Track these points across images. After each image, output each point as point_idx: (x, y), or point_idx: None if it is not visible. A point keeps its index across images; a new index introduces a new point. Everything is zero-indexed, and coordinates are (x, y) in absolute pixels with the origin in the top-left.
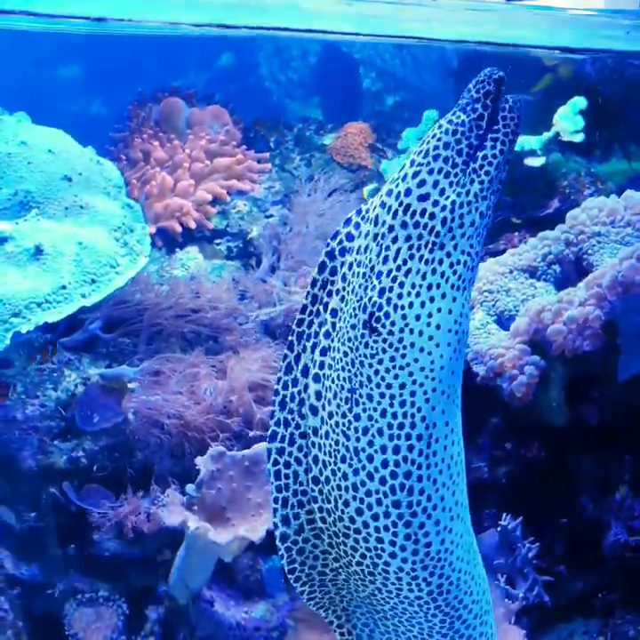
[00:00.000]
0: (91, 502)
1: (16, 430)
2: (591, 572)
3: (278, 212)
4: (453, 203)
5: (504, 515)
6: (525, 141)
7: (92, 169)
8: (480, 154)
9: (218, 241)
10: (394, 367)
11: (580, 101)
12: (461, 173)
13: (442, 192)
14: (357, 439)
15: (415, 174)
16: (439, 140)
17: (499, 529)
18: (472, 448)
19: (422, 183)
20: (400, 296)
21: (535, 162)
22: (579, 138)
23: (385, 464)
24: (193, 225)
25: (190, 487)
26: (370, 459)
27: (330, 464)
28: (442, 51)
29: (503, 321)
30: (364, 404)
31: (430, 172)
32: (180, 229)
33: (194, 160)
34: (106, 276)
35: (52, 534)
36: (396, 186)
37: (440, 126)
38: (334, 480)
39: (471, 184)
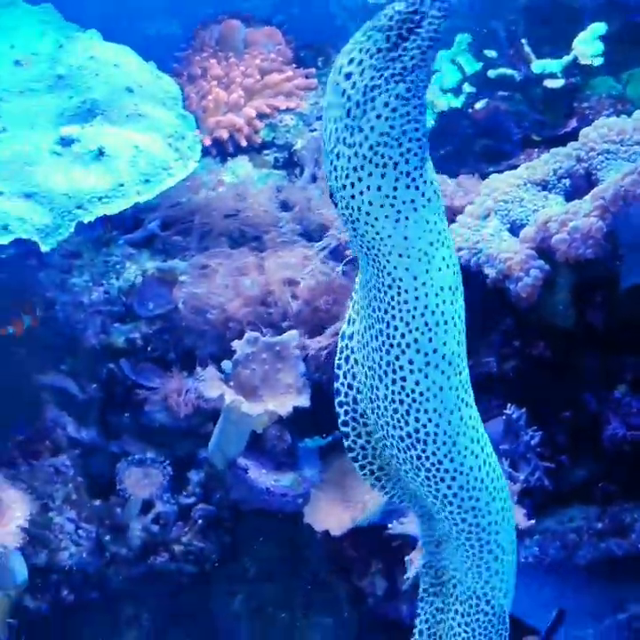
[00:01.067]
0: (144, 378)
1: (82, 313)
2: (592, 462)
3: (321, 126)
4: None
5: (509, 405)
6: (546, 64)
7: (152, 82)
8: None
9: (266, 152)
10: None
11: (599, 27)
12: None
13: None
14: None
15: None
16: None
17: (504, 417)
18: (484, 345)
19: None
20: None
21: (555, 83)
22: (597, 62)
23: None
24: (244, 142)
25: (226, 363)
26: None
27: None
28: None
29: (515, 229)
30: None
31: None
32: (229, 140)
33: (246, 76)
34: (158, 176)
35: (109, 404)
36: None
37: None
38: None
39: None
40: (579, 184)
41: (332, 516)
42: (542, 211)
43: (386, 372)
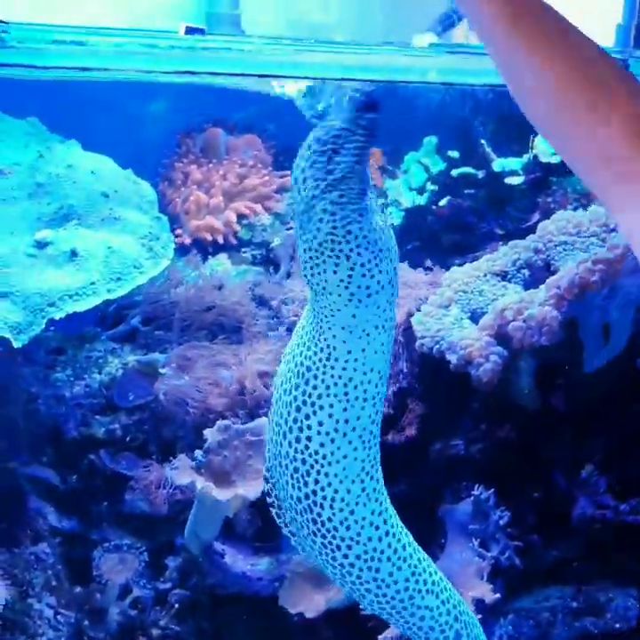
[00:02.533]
0: (123, 467)
1: (63, 406)
2: (564, 542)
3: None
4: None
5: (477, 485)
6: (506, 163)
7: (128, 187)
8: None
9: (244, 249)
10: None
11: None
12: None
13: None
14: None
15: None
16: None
17: (472, 498)
18: (451, 429)
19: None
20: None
21: (515, 180)
22: (556, 159)
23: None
24: (221, 240)
25: (198, 453)
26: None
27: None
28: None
29: (476, 317)
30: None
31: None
32: (210, 240)
33: (226, 180)
34: (130, 274)
35: (89, 493)
36: None
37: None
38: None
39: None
40: (538, 274)
41: (306, 598)
42: (500, 299)
43: (291, 429)
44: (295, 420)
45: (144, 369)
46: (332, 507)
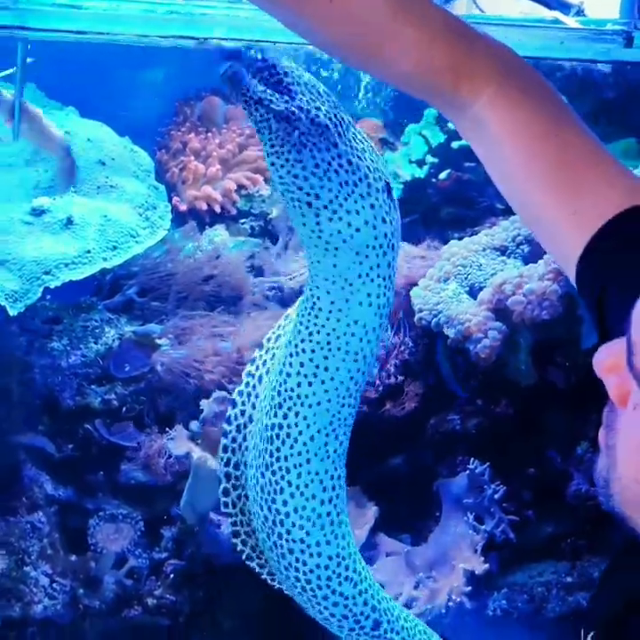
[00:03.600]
0: (119, 437)
1: (60, 375)
2: (559, 518)
3: None
4: None
5: (472, 459)
6: None
7: (125, 156)
8: None
9: (243, 220)
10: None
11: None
12: None
13: None
14: None
15: None
16: None
17: (467, 472)
18: (447, 404)
19: None
20: None
21: None
22: None
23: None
24: (218, 210)
25: (194, 423)
26: None
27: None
28: None
29: (474, 292)
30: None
31: None
32: (206, 210)
33: (223, 150)
34: (126, 243)
35: (85, 463)
36: None
37: None
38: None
39: None
40: (537, 250)
41: None
42: (499, 274)
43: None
44: (280, 363)
45: (141, 340)
46: (292, 446)
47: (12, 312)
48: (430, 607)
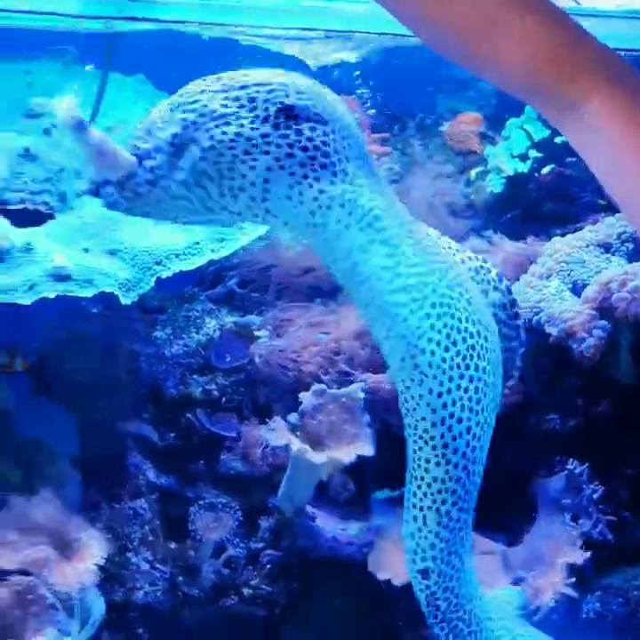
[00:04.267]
0: (220, 427)
1: (164, 365)
2: None
3: (395, 189)
4: None
5: (571, 460)
6: None
7: None
8: None
9: None
10: None
11: None
12: None
13: None
14: None
15: None
16: None
17: (565, 472)
18: (547, 403)
19: None
20: None
21: None
22: None
23: None
24: None
25: (293, 415)
26: None
27: None
28: None
29: (577, 289)
30: None
31: None
32: None
33: None
34: (233, 235)
35: (186, 452)
36: None
37: None
38: None
39: None
40: None
41: (395, 565)
42: (604, 271)
43: None
44: None
45: (241, 331)
46: None
47: (125, 301)
48: (536, 606)
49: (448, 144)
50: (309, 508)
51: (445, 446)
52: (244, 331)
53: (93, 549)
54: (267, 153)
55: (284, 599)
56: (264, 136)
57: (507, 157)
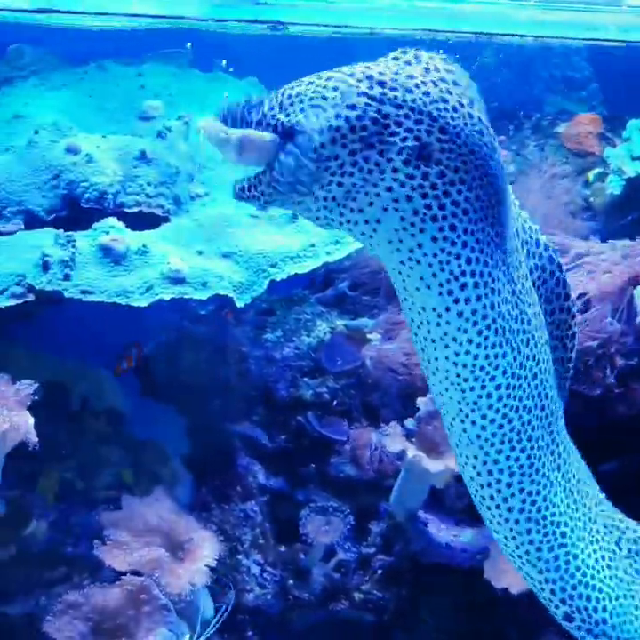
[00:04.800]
0: (330, 431)
1: (274, 367)
2: None
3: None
4: None
5: None
6: None
7: None
8: None
9: None
10: None
11: None
12: None
13: None
14: None
15: None
16: None
17: None
18: None
19: None
20: None
21: None
22: None
23: None
24: None
25: (410, 421)
26: None
27: None
28: None
29: None
30: None
31: None
32: None
33: None
34: (347, 238)
35: (296, 454)
36: None
37: None
38: None
39: None
40: None
41: (512, 574)
42: None
43: None
44: None
45: (352, 334)
46: None
47: (240, 303)
48: None
49: (565, 145)
50: (422, 514)
51: None
52: (355, 334)
53: (205, 551)
54: (389, 189)
55: (393, 605)
56: (394, 170)
57: (627, 159)
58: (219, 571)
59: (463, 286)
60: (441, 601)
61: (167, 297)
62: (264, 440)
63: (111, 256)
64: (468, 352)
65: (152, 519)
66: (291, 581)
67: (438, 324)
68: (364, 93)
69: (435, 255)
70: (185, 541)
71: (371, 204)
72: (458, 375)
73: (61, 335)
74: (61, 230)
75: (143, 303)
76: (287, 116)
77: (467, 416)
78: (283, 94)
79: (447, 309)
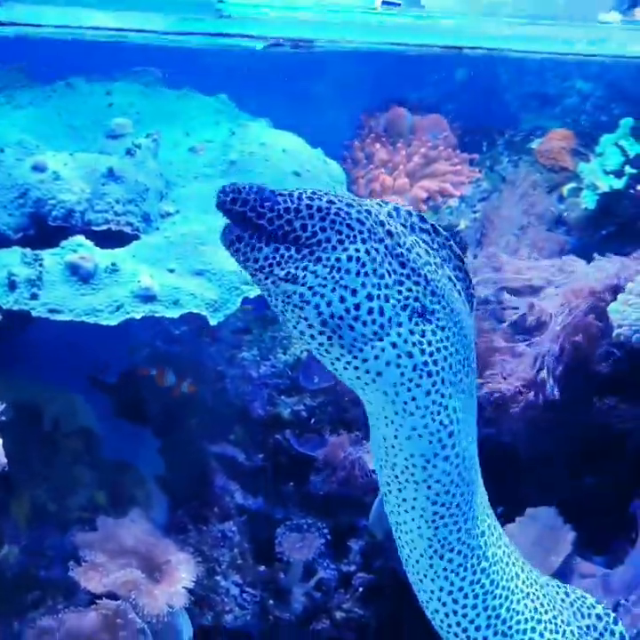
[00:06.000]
0: (308, 448)
1: (250, 385)
2: None
3: (484, 208)
4: None
5: None
6: None
7: (319, 167)
8: None
9: None
10: None
11: None
12: None
13: None
14: None
15: None
16: None
17: None
18: None
19: None
20: None
21: None
22: None
23: None
24: None
25: None
26: None
27: None
28: None
29: None
30: None
31: None
32: None
33: (411, 162)
34: None
35: (274, 473)
36: None
37: None
38: None
39: None
40: None
41: None
42: None
43: None
44: None
45: None
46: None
47: (213, 322)
48: (635, 632)
49: (539, 161)
50: None
51: None
52: None
53: (183, 572)
54: (394, 346)
55: (375, 622)
56: (399, 335)
57: (601, 174)
58: (197, 593)
59: (451, 434)
60: (423, 618)
61: (138, 315)
62: (241, 459)
63: (79, 274)
64: (447, 492)
65: (128, 541)
66: (271, 601)
67: (425, 468)
68: None
69: (427, 407)
70: (162, 563)
71: (376, 357)
72: (435, 513)
73: (31, 356)
74: (28, 249)
75: (113, 322)
76: None
77: (435, 551)
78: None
79: (435, 455)
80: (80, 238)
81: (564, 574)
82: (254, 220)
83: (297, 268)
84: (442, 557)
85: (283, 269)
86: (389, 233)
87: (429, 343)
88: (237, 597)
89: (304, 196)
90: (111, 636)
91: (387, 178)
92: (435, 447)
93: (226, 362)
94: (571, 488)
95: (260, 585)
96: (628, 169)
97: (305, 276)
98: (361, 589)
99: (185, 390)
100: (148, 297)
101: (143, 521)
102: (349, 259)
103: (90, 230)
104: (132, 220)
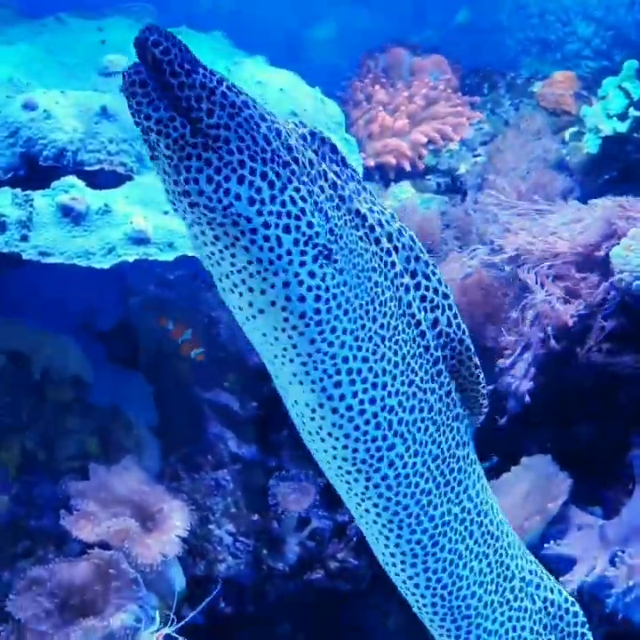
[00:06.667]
0: None
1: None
2: None
3: (485, 151)
4: None
5: None
6: None
7: (317, 106)
8: None
9: (429, 176)
10: None
11: None
12: None
13: None
14: None
15: None
16: None
17: None
18: None
19: None
20: None
21: None
22: None
23: None
24: (408, 167)
25: None
26: None
27: None
28: None
29: None
30: None
31: None
32: (394, 165)
33: (412, 103)
34: None
35: (269, 421)
36: None
37: None
38: None
39: None
40: None
41: None
42: None
43: None
44: None
45: None
46: None
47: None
48: (631, 584)
49: (541, 104)
50: None
51: None
52: None
53: (176, 521)
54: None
55: (370, 572)
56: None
57: (604, 117)
58: (190, 541)
59: (337, 384)
60: None
61: (131, 258)
62: (236, 407)
63: (71, 216)
64: (345, 446)
65: (121, 489)
66: (265, 551)
67: (312, 418)
68: None
69: (309, 355)
70: (155, 512)
71: (262, 292)
72: (339, 468)
73: (21, 300)
74: (19, 189)
75: (105, 265)
76: None
77: (358, 505)
78: None
79: (320, 405)
80: (72, 179)
81: (560, 523)
82: (165, 76)
83: (188, 156)
84: (367, 511)
85: (171, 147)
86: (296, 160)
87: (327, 288)
88: (230, 546)
89: (225, 83)
90: (103, 586)
91: (386, 117)
92: (319, 396)
93: (220, 307)
94: (565, 437)
95: (253, 534)
96: (632, 112)
97: (195, 175)
98: (355, 539)
99: (194, 356)
100: (141, 239)
101: (136, 469)
102: (241, 180)
103: (82, 170)
104: (126, 160)
